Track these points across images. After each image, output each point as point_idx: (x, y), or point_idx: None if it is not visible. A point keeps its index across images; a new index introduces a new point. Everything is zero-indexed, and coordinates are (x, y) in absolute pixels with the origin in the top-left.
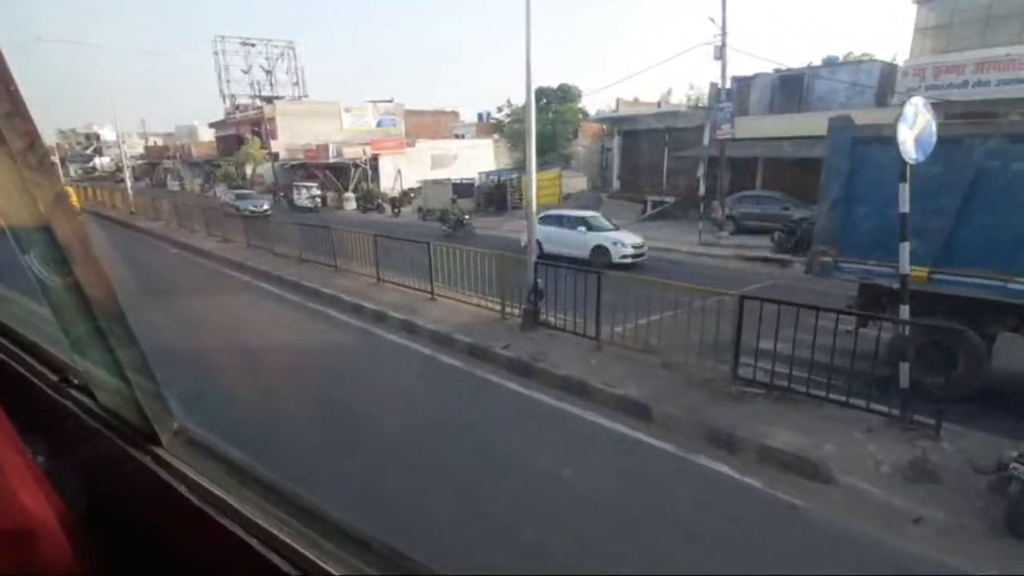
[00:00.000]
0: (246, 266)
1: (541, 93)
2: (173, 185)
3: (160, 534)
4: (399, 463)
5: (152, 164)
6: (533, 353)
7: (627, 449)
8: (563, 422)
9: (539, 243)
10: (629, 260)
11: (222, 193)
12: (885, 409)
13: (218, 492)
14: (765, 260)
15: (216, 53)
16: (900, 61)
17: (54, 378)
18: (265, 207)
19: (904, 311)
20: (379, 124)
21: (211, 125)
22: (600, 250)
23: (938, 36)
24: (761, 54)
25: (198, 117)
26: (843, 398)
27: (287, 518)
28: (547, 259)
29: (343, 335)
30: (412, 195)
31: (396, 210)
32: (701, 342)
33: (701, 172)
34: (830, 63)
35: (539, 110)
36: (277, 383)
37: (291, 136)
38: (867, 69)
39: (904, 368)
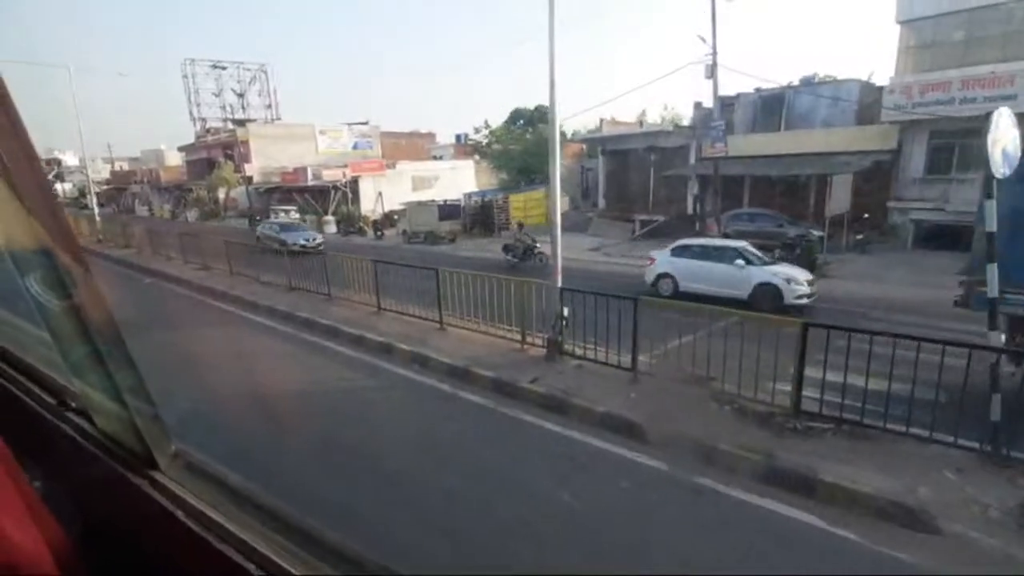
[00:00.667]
0: (232, 296)
1: (519, 114)
2: (141, 210)
3: (157, 559)
4: (431, 523)
5: (119, 189)
6: (566, 387)
7: (697, 498)
8: (615, 468)
9: (672, 279)
10: (805, 302)
11: (263, 227)
12: (975, 445)
13: (216, 517)
14: None
15: (186, 76)
16: (875, 80)
17: (52, 401)
18: (319, 240)
19: (995, 338)
20: (355, 146)
21: (180, 149)
22: (767, 289)
23: (921, 55)
24: (753, 73)
25: (165, 141)
26: (925, 432)
27: (287, 544)
28: (685, 298)
29: (348, 371)
30: (396, 217)
31: (379, 233)
32: (743, 369)
33: (695, 191)
34: (808, 82)
35: (520, 130)
36: (280, 429)
37: (265, 159)
38: (847, 88)
39: (996, 399)
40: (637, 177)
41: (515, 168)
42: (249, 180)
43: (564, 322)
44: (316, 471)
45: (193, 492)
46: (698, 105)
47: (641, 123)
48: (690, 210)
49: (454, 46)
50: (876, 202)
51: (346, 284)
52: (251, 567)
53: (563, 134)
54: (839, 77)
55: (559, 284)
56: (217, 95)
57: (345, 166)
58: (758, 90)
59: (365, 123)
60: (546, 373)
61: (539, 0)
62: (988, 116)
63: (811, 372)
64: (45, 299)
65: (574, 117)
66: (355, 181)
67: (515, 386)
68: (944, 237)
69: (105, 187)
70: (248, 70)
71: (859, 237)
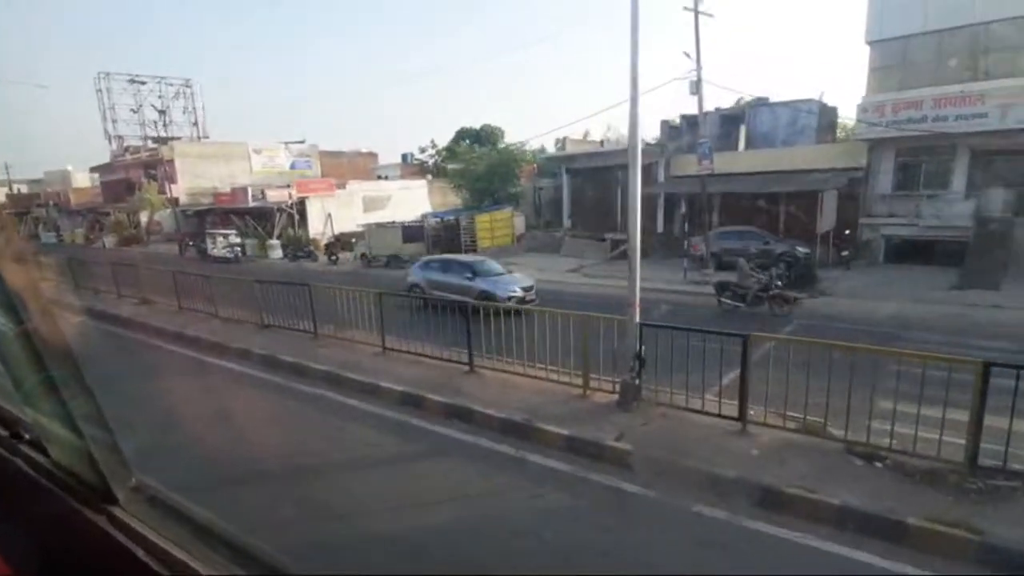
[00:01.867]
0: (188, 336)
1: (464, 134)
2: (47, 236)
3: None
4: None
5: (20, 214)
6: (664, 444)
7: None
8: (766, 549)
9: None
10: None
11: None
12: None
13: (180, 555)
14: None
15: (100, 91)
16: (826, 100)
17: (4, 433)
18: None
19: None
20: (293, 166)
21: (93, 169)
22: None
23: (890, 75)
24: (738, 88)
25: (72, 161)
26: None
27: None
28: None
29: (371, 430)
30: (353, 240)
31: (333, 257)
32: (832, 407)
33: (683, 210)
34: (760, 103)
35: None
36: (309, 526)
37: (193, 179)
38: (807, 108)
39: None
40: (603, 195)
41: (479, 188)
42: (175, 202)
43: (641, 362)
44: None
45: (154, 528)
46: (665, 123)
47: (602, 142)
48: (660, 228)
49: (391, 66)
50: (849, 218)
51: (336, 320)
52: None
53: (530, 152)
54: (804, 96)
55: (637, 318)
56: (136, 111)
57: (288, 185)
58: (717, 109)
59: (302, 142)
60: (630, 426)
61: (479, 23)
62: None
63: (904, 408)
64: None
65: (537, 137)
66: (302, 202)
67: (599, 445)
68: (915, 252)
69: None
70: (171, 85)
71: (844, 254)
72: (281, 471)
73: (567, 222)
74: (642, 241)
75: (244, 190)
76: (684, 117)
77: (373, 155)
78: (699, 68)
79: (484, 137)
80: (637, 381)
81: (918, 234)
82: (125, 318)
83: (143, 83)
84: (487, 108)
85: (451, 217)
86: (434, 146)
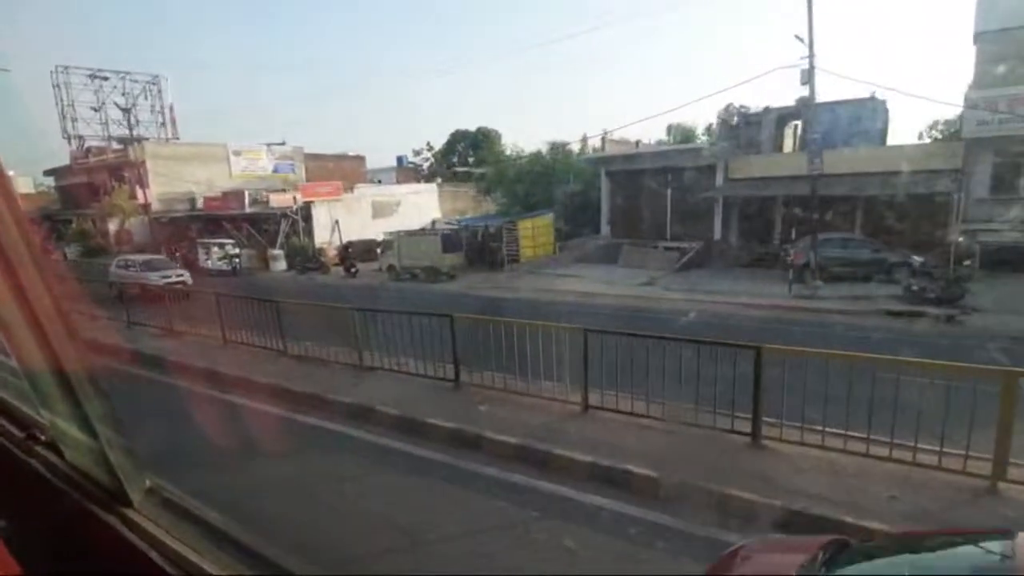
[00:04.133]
0: (258, 384)
1: (459, 136)
2: None
3: None
4: None
5: None
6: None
7: None
8: None
9: None
10: None
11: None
12: None
13: (193, 557)
14: (912, 315)
15: (56, 86)
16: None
17: (20, 435)
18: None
19: None
20: (276, 169)
21: (48, 173)
22: None
23: (1003, 66)
24: (854, 77)
25: (13, 163)
26: None
27: None
28: None
29: (490, 509)
30: (378, 249)
31: (353, 270)
32: None
33: (780, 213)
34: (805, 104)
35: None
36: None
37: (167, 183)
38: (871, 107)
39: None
40: (650, 199)
41: (517, 192)
42: (147, 208)
43: None
44: None
45: (168, 530)
46: (723, 122)
47: (637, 144)
48: (717, 235)
49: (372, 68)
50: (941, 224)
51: (481, 361)
52: None
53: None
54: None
55: None
56: (97, 110)
57: (284, 190)
58: (768, 108)
59: (282, 143)
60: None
61: (464, 24)
62: None
63: None
64: (12, 326)
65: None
66: (307, 207)
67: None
68: (1018, 260)
69: None
70: (136, 81)
71: (967, 263)
72: None
73: (604, 229)
74: (699, 250)
75: (239, 194)
76: (742, 114)
77: (360, 158)
78: (811, 55)
79: (481, 140)
80: None
81: (1014, 240)
82: (168, 360)
83: (105, 78)
84: (476, 111)
85: (486, 224)
86: (430, 148)
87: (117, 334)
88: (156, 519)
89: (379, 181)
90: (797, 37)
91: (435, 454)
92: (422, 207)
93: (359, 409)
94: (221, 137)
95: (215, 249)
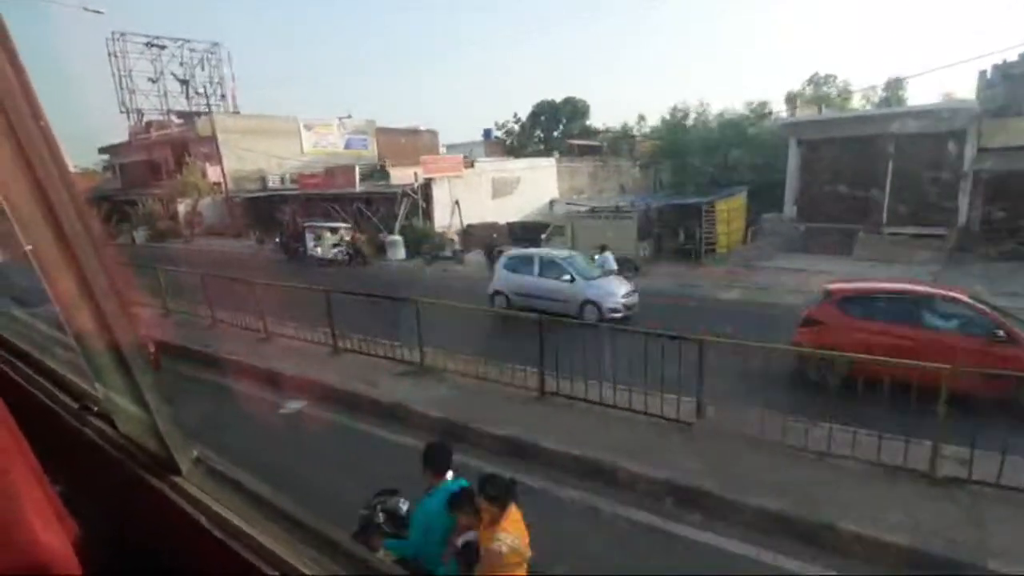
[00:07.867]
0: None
1: (543, 108)
2: None
3: (179, 565)
4: None
5: None
6: None
7: None
8: None
9: None
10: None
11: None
12: None
13: (240, 524)
14: None
15: (113, 55)
16: None
17: (74, 406)
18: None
19: None
20: (348, 145)
21: (103, 150)
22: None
23: None
24: None
25: (66, 139)
26: None
27: (314, 554)
28: None
29: None
30: (543, 236)
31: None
32: None
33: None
34: None
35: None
36: None
37: (235, 160)
38: None
39: None
40: (856, 175)
41: (708, 170)
42: (222, 186)
43: None
44: None
45: (215, 498)
46: (983, 74)
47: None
48: (962, 219)
49: (447, 38)
50: None
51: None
52: (275, 574)
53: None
54: None
55: None
56: (155, 81)
57: (383, 167)
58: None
59: (348, 117)
60: None
61: None
62: None
63: None
64: (69, 302)
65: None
66: (427, 185)
67: None
68: None
69: None
70: (194, 51)
71: None
72: None
73: (789, 210)
74: (941, 236)
75: (349, 170)
76: (997, 67)
77: (434, 132)
78: None
79: (570, 111)
80: None
81: None
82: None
83: (163, 47)
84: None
85: (681, 202)
86: (517, 120)
87: None
88: (202, 486)
89: (467, 155)
90: None
91: None
92: (540, 185)
93: None
94: (275, 109)
95: (327, 235)
